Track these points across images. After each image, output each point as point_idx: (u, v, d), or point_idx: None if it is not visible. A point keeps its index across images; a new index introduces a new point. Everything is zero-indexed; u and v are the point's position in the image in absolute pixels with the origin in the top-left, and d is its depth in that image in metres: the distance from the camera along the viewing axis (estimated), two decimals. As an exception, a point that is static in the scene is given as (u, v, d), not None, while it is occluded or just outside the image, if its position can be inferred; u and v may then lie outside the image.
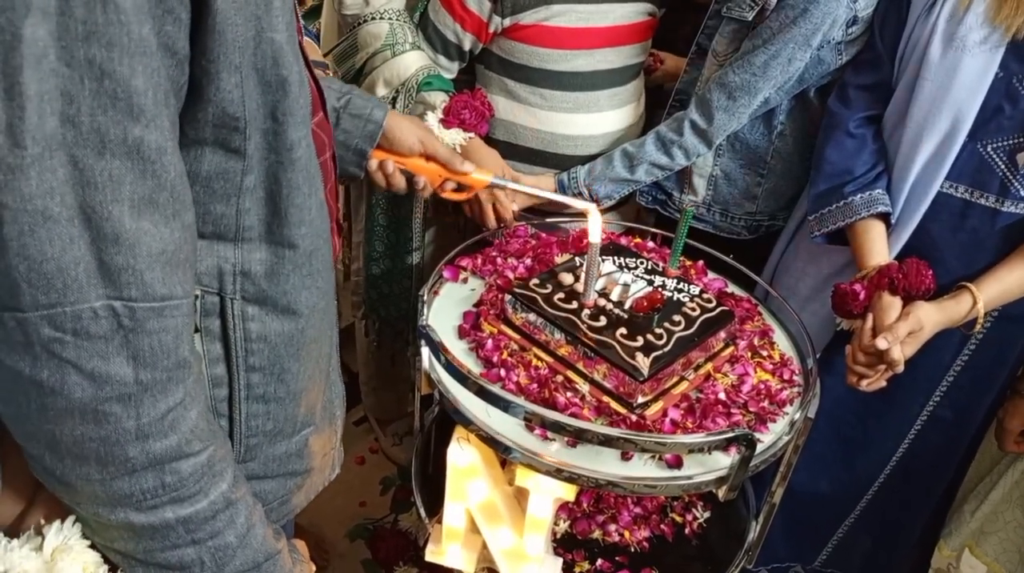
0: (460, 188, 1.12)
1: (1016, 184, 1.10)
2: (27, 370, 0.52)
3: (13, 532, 0.63)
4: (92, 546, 0.63)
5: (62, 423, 0.54)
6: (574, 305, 0.98)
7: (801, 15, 1.19)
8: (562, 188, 1.36)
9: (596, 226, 0.97)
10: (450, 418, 0.94)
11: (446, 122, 1.28)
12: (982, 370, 1.27)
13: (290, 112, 0.62)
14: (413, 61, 1.28)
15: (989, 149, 1.10)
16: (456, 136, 1.29)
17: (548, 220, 1.29)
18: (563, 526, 1.13)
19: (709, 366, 0.99)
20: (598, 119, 1.35)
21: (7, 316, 0.50)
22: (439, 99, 1.30)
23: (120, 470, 0.57)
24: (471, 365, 0.96)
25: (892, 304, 1.12)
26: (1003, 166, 1.10)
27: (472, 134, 1.30)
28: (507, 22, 1.28)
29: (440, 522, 1.02)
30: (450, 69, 1.38)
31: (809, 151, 1.39)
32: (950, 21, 1.09)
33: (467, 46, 1.33)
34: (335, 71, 1.37)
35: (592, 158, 1.37)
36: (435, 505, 1.13)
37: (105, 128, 0.49)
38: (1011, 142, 1.09)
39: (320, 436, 0.82)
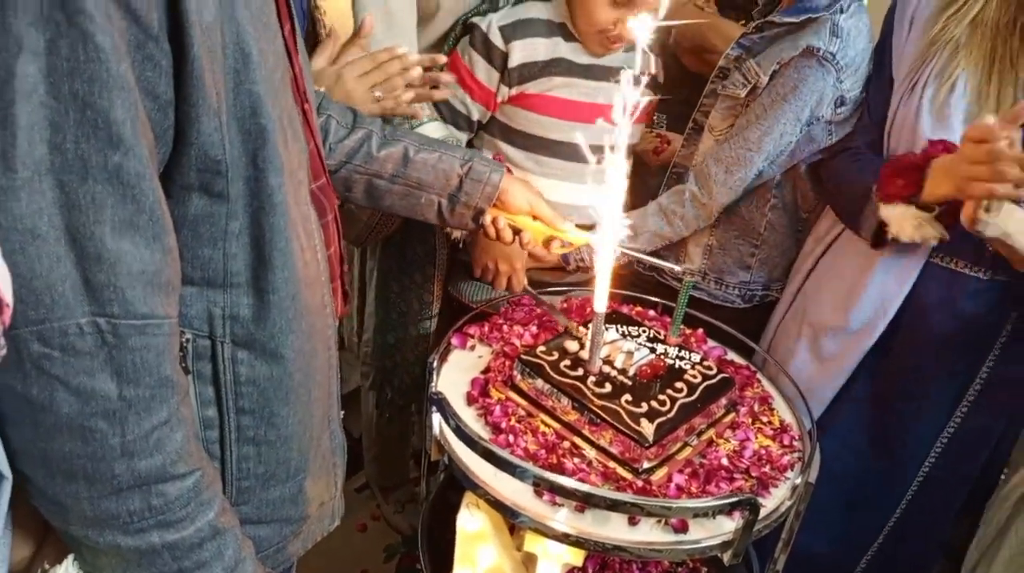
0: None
1: (993, 253, 1.15)
2: (19, 387, 0.55)
3: None
4: None
5: (52, 440, 0.57)
6: (580, 372, 1.01)
7: (791, 92, 1.27)
8: (564, 254, 1.41)
9: (603, 294, 1.00)
10: (455, 484, 0.96)
11: None
12: (975, 432, 1.29)
13: (270, 159, 0.67)
14: (431, 132, 1.33)
15: None
16: None
17: (550, 290, 1.33)
18: (569, 593, 1.13)
19: (711, 432, 1.02)
20: (583, 191, 1.40)
21: None
22: None
23: (107, 488, 0.59)
24: (479, 430, 0.99)
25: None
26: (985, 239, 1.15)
27: None
28: (513, 91, 1.35)
29: (448, 589, 1.03)
30: (459, 140, 1.44)
31: (800, 223, 1.45)
32: (934, 101, 1.16)
33: (475, 116, 1.39)
34: None
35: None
36: (442, 572, 1.14)
37: (88, 155, 0.53)
38: None
39: (316, 483, 0.84)
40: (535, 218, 1.13)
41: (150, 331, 0.59)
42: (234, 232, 0.67)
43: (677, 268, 1.19)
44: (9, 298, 0.49)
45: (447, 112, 1.39)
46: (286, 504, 0.80)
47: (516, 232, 1.13)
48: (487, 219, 1.10)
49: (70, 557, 0.64)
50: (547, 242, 1.16)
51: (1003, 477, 1.33)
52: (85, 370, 0.56)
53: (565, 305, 1.28)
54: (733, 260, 1.45)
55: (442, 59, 1.27)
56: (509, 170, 1.32)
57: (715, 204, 1.35)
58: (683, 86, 1.57)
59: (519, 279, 1.32)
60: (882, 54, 1.28)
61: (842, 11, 1.25)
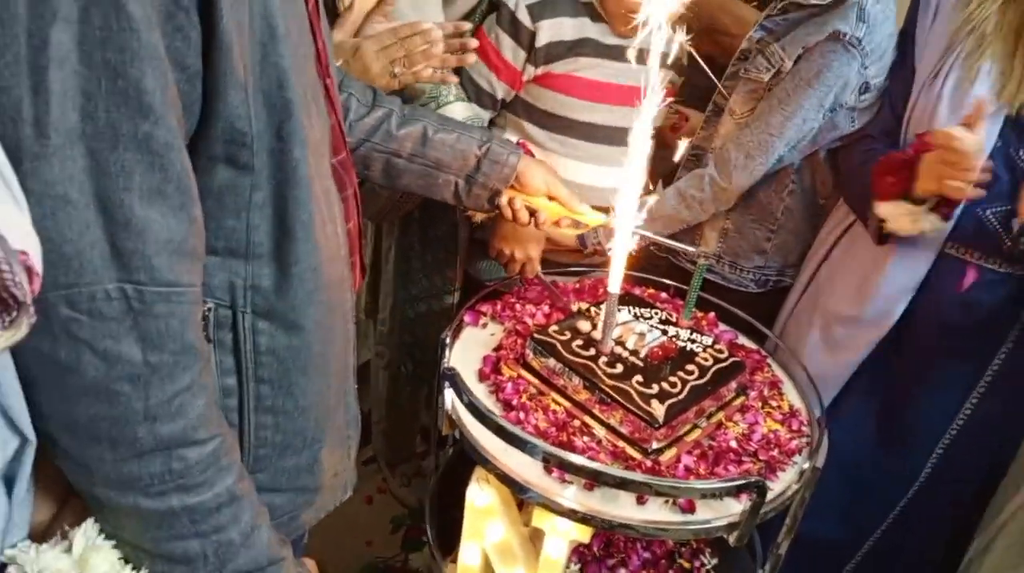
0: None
1: (1009, 246, 1.15)
2: (47, 349, 0.56)
3: (43, 536, 0.66)
4: (116, 546, 0.66)
5: (77, 402, 0.58)
6: (592, 352, 1.02)
7: (815, 77, 1.25)
8: (581, 236, 1.41)
9: (617, 276, 1.01)
10: (463, 459, 0.97)
11: None
12: (984, 424, 1.29)
13: (294, 132, 0.67)
14: (457, 112, 1.32)
15: (988, 213, 1.15)
16: None
17: (566, 270, 1.33)
18: (574, 569, 1.15)
19: (721, 415, 1.02)
20: (604, 172, 1.40)
21: None
22: None
23: (130, 451, 0.60)
24: (491, 407, 1.00)
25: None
26: (1000, 229, 1.15)
27: None
28: (539, 71, 1.35)
29: (454, 561, 1.05)
30: (483, 120, 1.43)
31: (817, 210, 1.44)
32: (955, 92, 1.15)
33: (500, 95, 1.39)
34: None
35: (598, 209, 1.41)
36: (447, 544, 1.16)
37: (118, 123, 0.54)
38: (1008, 208, 1.14)
39: (332, 455, 0.85)
40: (552, 199, 1.14)
41: (175, 298, 0.60)
42: (258, 203, 0.68)
43: (693, 250, 1.20)
44: (39, 267, 0.49)
45: (471, 90, 1.39)
46: (301, 473, 0.81)
47: (532, 213, 1.13)
48: (503, 200, 1.11)
49: (90, 520, 0.66)
50: (557, 221, 1.16)
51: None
52: (111, 334, 0.57)
53: (578, 285, 1.28)
54: (749, 244, 1.45)
55: (466, 26, 1.26)
56: (528, 151, 1.33)
57: (734, 189, 1.34)
58: (694, 66, 1.55)
59: (533, 267, 1.32)
60: (904, 43, 1.27)
61: None
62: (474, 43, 1.25)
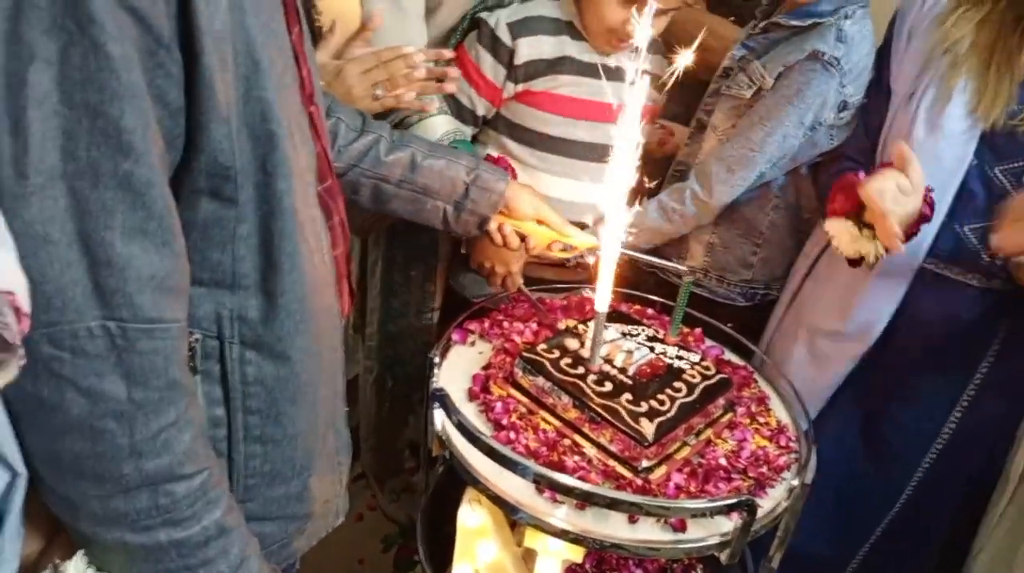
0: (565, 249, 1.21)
1: (987, 262, 1.17)
2: (30, 387, 0.56)
3: (34, 569, 0.66)
4: None
5: (62, 440, 0.58)
6: (580, 370, 1.02)
7: (795, 95, 1.28)
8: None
9: (604, 294, 1.01)
10: (453, 477, 0.97)
11: None
12: (970, 435, 1.31)
13: (279, 164, 0.68)
14: (440, 125, 1.33)
15: (967, 230, 1.17)
16: None
17: (551, 286, 1.33)
18: (566, 587, 1.15)
19: (709, 432, 1.03)
20: (584, 188, 1.41)
21: None
22: None
23: (115, 488, 0.60)
24: (481, 427, 1.00)
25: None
26: (978, 246, 1.17)
27: None
28: (519, 88, 1.36)
29: (447, 582, 1.05)
30: (466, 134, 1.44)
31: (801, 224, 1.46)
32: (931, 110, 1.17)
33: (480, 111, 1.40)
34: None
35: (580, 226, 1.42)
36: (440, 564, 1.16)
37: (99, 162, 0.54)
38: (985, 224, 1.16)
39: (322, 481, 0.85)
40: (541, 223, 1.14)
41: (158, 335, 0.60)
42: (243, 235, 0.68)
43: (681, 267, 1.21)
44: (27, 307, 0.49)
45: (452, 107, 1.40)
46: (291, 501, 0.81)
47: (522, 238, 1.14)
48: (493, 226, 1.12)
49: (80, 553, 0.65)
50: (549, 245, 1.18)
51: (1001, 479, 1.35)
52: (95, 372, 0.57)
53: (565, 302, 1.29)
54: (735, 258, 1.46)
55: (448, 54, 1.27)
56: (509, 167, 1.33)
57: (715, 203, 1.36)
58: (675, 84, 1.57)
59: (514, 281, 1.32)
60: (880, 63, 1.29)
61: (847, 17, 1.27)
62: (455, 72, 1.26)
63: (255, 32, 0.63)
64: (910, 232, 1.12)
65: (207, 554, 0.65)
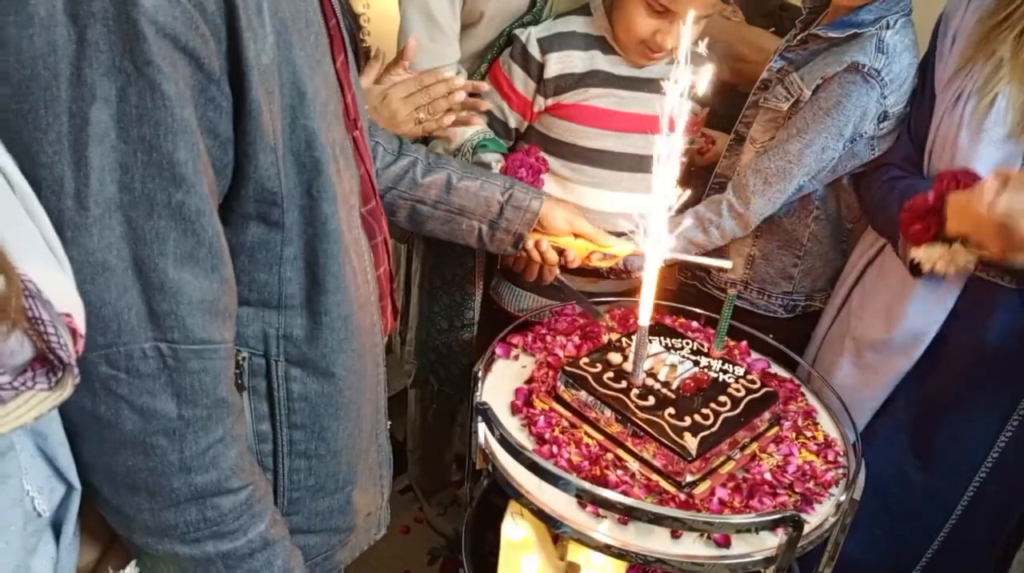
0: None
1: None
2: (88, 405, 0.59)
3: None
4: None
5: (116, 454, 0.61)
6: (623, 384, 1.02)
7: (835, 107, 1.26)
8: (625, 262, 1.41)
9: (647, 307, 1.01)
10: (498, 489, 0.98)
11: None
12: (1022, 453, 1.27)
13: (324, 189, 0.70)
14: (491, 157, 1.36)
15: None
16: None
17: (594, 301, 1.34)
18: (610, 602, 1.14)
19: (755, 446, 1.02)
20: (618, 198, 1.41)
21: None
22: (494, 159, 1.37)
23: (166, 501, 0.63)
24: (523, 441, 1.00)
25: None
26: None
27: None
28: (549, 101, 1.37)
29: (492, 595, 1.05)
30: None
31: (844, 234, 1.44)
32: (974, 115, 1.14)
33: (512, 124, 1.42)
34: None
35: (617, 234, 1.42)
36: (485, 577, 1.16)
37: (153, 193, 0.57)
38: None
39: (364, 495, 0.87)
40: (577, 236, 1.15)
41: (207, 355, 0.63)
42: (289, 258, 0.71)
43: (725, 264, 1.23)
44: (83, 329, 0.52)
45: (486, 120, 1.42)
46: (334, 514, 0.83)
47: (560, 252, 1.16)
48: (530, 243, 1.14)
49: (132, 562, 0.68)
50: (588, 256, 1.19)
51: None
52: (148, 390, 0.60)
53: (608, 315, 1.29)
54: (776, 271, 1.45)
55: (484, 87, 1.32)
56: (546, 167, 1.35)
57: (752, 215, 1.35)
58: (713, 96, 1.56)
59: (550, 272, 1.32)
60: (925, 70, 1.27)
61: (888, 27, 1.24)
62: (484, 105, 1.30)
63: (300, 64, 0.66)
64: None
65: (252, 565, 0.68)
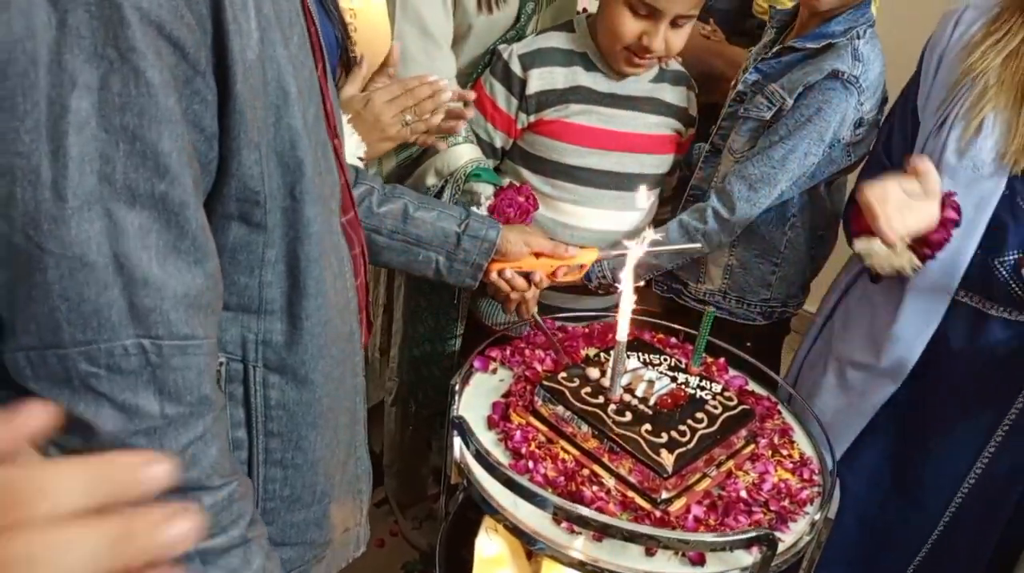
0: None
1: (1021, 294, 1.15)
2: (66, 403, 0.58)
3: None
4: None
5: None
6: (601, 399, 1.02)
7: (816, 114, 1.30)
8: (587, 274, 1.41)
9: (624, 323, 1.01)
10: (473, 505, 0.97)
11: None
12: (1004, 473, 1.28)
13: (307, 190, 0.69)
14: (465, 153, 1.35)
15: (996, 262, 1.15)
16: None
17: (573, 314, 1.34)
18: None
19: (731, 464, 1.02)
20: (600, 216, 1.41)
21: (49, 353, 0.57)
22: (485, 192, 1.36)
23: None
24: (499, 455, 1.00)
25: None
26: (1009, 278, 1.15)
27: None
28: (532, 118, 1.37)
29: (465, 611, 1.04)
30: (488, 164, 1.45)
31: (816, 241, 1.48)
32: (960, 141, 1.16)
33: (498, 143, 1.41)
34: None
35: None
36: (458, 593, 1.15)
37: (135, 184, 0.56)
38: (1015, 256, 1.14)
39: (341, 508, 0.86)
40: (539, 255, 1.16)
41: (191, 351, 0.62)
42: (270, 260, 0.70)
43: (695, 246, 1.30)
44: None
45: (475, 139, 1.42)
46: (310, 527, 0.82)
47: (526, 276, 1.17)
48: (493, 275, 1.15)
49: None
50: (554, 273, 1.19)
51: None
52: (130, 387, 0.59)
53: (587, 330, 1.29)
54: (755, 279, 1.47)
55: (471, 96, 1.30)
56: (536, 205, 1.35)
57: (737, 220, 1.36)
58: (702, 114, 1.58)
59: (528, 307, 1.32)
60: (906, 96, 1.29)
61: (859, 37, 1.30)
62: (470, 113, 1.29)
63: (284, 63, 0.65)
64: (938, 239, 1.10)
65: (230, 563, 0.67)
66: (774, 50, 1.40)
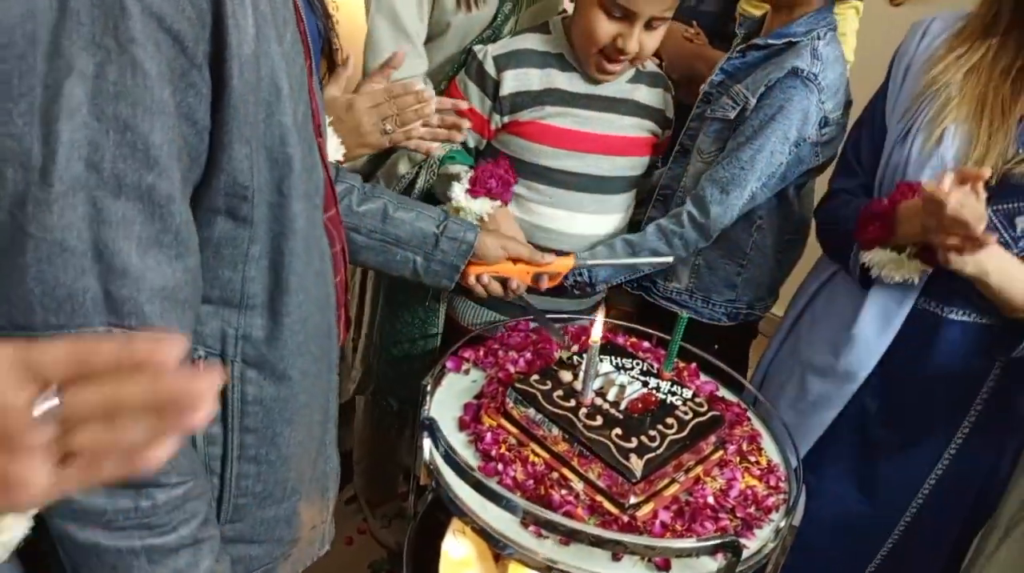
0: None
1: (979, 299, 1.17)
2: None
3: None
4: None
5: None
6: (572, 403, 1.02)
7: (779, 112, 1.32)
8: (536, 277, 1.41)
9: (599, 326, 1.02)
10: (443, 505, 0.96)
11: (473, 191, 1.33)
12: (963, 473, 1.30)
13: (294, 187, 0.69)
14: (457, 166, 1.35)
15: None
16: (484, 205, 1.33)
17: (549, 316, 1.33)
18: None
19: (699, 469, 1.02)
20: (577, 219, 1.41)
21: (19, 334, 0.56)
22: (462, 170, 1.36)
23: (99, 486, 0.61)
24: (469, 457, 0.99)
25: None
26: (969, 284, 1.17)
27: (499, 202, 1.35)
28: (506, 119, 1.36)
29: (431, 612, 1.04)
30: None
31: (783, 244, 1.49)
32: (923, 151, 1.18)
33: (472, 143, 1.41)
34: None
35: (557, 254, 1.42)
36: (425, 594, 1.15)
37: (123, 174, 0.56)
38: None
39: (310, 506, 0.86)
40: (515, 261, 1.16)
41: None
42: (254, 256, 0.70)
43: (658, 260, 1.34)
44: None
45: None
46: (280, 525, 0.81)
47: (503, 282, 1.17)
48: (471, 278, 1.15)
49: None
50: (535, 280, 1.20)
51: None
52: None
53: (562, 332, 1.29)
54: (720, 279, 1.49)
55: (464, 105, 1.30)
56: (515, 179, 1.35)
57: (713, 224, 1.38)
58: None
59: (514, 289, 1.30)
60: (875, 103, 1.31)
61: (819, 38, 1.33)
62: (466, 123, 1.28)
63: (278, 60, 0.65)
64: (932, 258, 1.12)
65: (177, 563, 0.66)
66: (739, 48, 1.43)
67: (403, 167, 1.40)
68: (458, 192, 1.33)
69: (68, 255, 0.55)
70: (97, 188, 0.55)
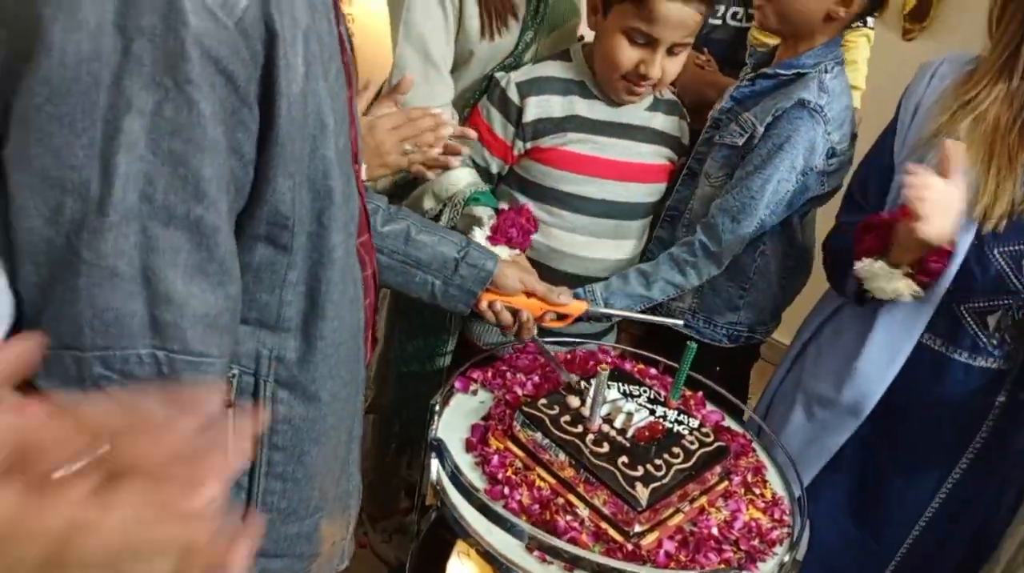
0: (560, 317, 1.27)
1: (984, 341, 1.19)
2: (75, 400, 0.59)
3: None
4: None
5: None
6: (580, 429, 1.03)
7: (786, 142, 1.34)
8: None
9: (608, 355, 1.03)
10: (445, 524, 0.97)
11: (493, 239, 1.34)
12: (961, 506, 1.31)
13: (334, 218, 0.72)
14: (463, 177, 1.36)
15: (963, 309, 1.18)
16: (502, 253, 1.33)
17: (558, 340, 1.34)
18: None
19: (704, 500, 1.03)
20: (594, 244, 1.43)
21: (67, 354, 0.59)
22: (486, 214, 1.37)
23: None
24: (476, 479, 1.00)
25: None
26: (974, 325, 1.18)
27: (517, 251, 1.36)
28: (528, 145, 1.38)
29: (432, 633, 1.04)
30: (484, 187, 1.46)
31: (785, 270, 1.51)
32: None
33: (494, 169, 1.43)
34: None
35: (574, 278, 1.44)
36: (426, 613, 1.15)
37: (173, 206, 0.59)
38: (981, 305, 1.18)
39: (332, 523, 0.88)
40: (530, 295, 1.19)
41: (202, 368, 0.64)
42: (292, 281, 0.72)
43: (671, 322, 1.33)
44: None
45: (469, 166, 1.43)
46: (301, 541, 0.84)
47: (514, 313, 1.19)
48: (483, 305, 1.17)
49: None
50: (541, 316, 1.21)
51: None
52: None
53: (569, 357, 1.30)
54: (723, 301, 1.51)
55: (473, 134, 1.33)
56: (536, 227, 1.37)
57: (725, 252, 1.40)
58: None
59: (528, 328, 1.33)
60: (883, 141, 1.32)
61: (826, 71, 1.35)
62: (467, 149, 1.31)
63: (324, 95, 0.68)
64: (935, 267, 1.12)
65: None
66: (749, 77, 1.46)
67: (428, 202, 1.41)
68: (479, 237, 1.34)
69: (118, 280, 0.58)
70: (149, 218, 0.58)
